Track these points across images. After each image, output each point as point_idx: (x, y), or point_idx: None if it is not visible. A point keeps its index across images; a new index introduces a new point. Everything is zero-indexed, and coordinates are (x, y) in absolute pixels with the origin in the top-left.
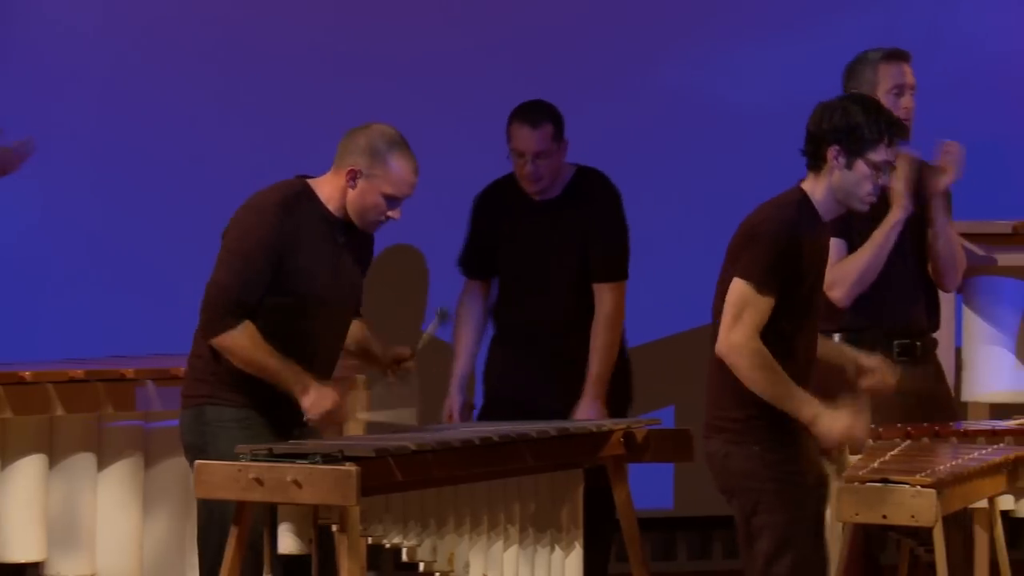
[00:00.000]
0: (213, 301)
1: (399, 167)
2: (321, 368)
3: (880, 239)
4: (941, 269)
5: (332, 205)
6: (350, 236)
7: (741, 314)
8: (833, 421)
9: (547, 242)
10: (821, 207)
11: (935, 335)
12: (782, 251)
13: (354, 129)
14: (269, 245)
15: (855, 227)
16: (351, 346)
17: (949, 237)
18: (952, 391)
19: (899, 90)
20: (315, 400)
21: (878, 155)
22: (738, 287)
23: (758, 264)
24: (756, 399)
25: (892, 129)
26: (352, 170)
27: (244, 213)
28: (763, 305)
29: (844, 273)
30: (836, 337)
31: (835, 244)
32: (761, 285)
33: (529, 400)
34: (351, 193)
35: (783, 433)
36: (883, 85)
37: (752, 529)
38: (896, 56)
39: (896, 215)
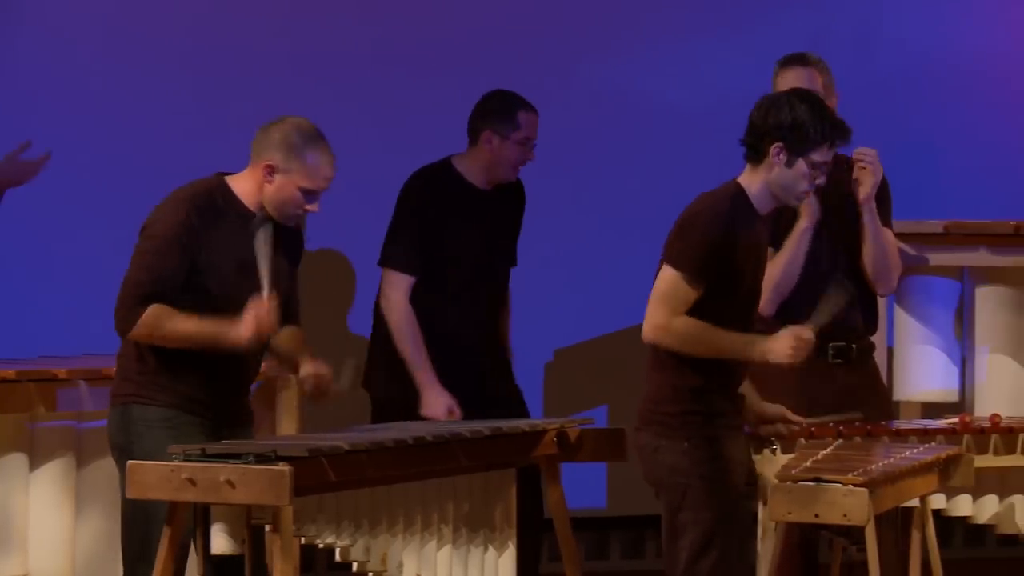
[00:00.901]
0: (125, 297)
1: (315, 160)
2: (241, 368)
3: (791, 247)
4: (872, 274)
5: (249, 201)
6: (278, 233)
7: (664, 300)
8: (779, 342)
9: (496, 230)
10: (756, 201)
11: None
12: (714, 243)
13: (268, 123)
14: (182, 241)
15: (781, 231)
16: (279, 348)
17: (880, 243)
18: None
19: None
20: (245, 324)
21: (819, 156)
22: (667, 274)
23: (688, 253)
24: (691, 395)
25: (836, 132)
26: (268, 165)
27: (159, 210)
28: (689, 294)
29: (764, 280)
30: None
31: None
32: (691, 276)
33: (490, 386)
34: (268, 188)
35: (714, 430)
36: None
37: (677, 524)
38: (793, 61)
39: (803, 223)
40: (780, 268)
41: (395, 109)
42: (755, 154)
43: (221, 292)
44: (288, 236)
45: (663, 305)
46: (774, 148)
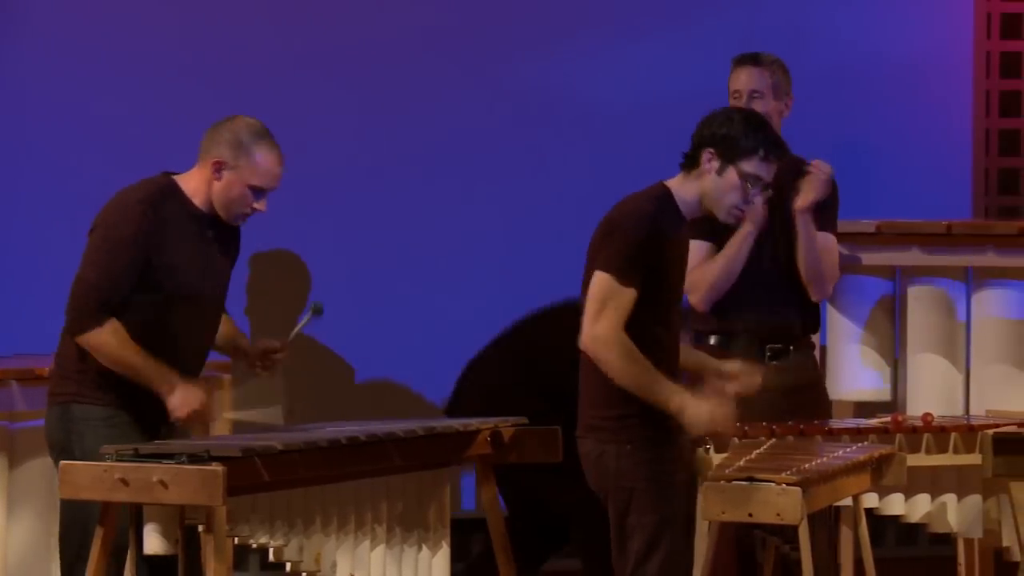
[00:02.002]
0: (78, 299)
1: (264, 158)
2: (189, 364)
3: (732, 250)
4: (805, 280)
5: (198, 200)
6: (217, 231)
7: (604, 307)
8: (700, 409)
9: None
10: (685, 207)
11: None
12: (642, 243)
13: (218, 122)
14: (134, 242)
15: (720, 228)
16: (220, 342)
17: (812, 251)
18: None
19: (737, 95)
20: (181, 399)
21: (750, 166)
22: (600, 279)
23: (618, 256)
24: (629, 397)
25: (769, 145)
26: (217, 162)
27: (108, 211)
28: (626, 297)
29: (700, 279)
30: (712, 339)
31: (700, 246)
32: (623, 276)
33: None
34: (216, 185)
35: (656, 431)
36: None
37: (625, 528)
38: (745, 60)
39: (747, 227)
40: (720, 267)
41: (339, 111)
42: (690, 161)
43: (177, 292)
44: (228, 235)
45: (603, 314)
46: (706, 155)
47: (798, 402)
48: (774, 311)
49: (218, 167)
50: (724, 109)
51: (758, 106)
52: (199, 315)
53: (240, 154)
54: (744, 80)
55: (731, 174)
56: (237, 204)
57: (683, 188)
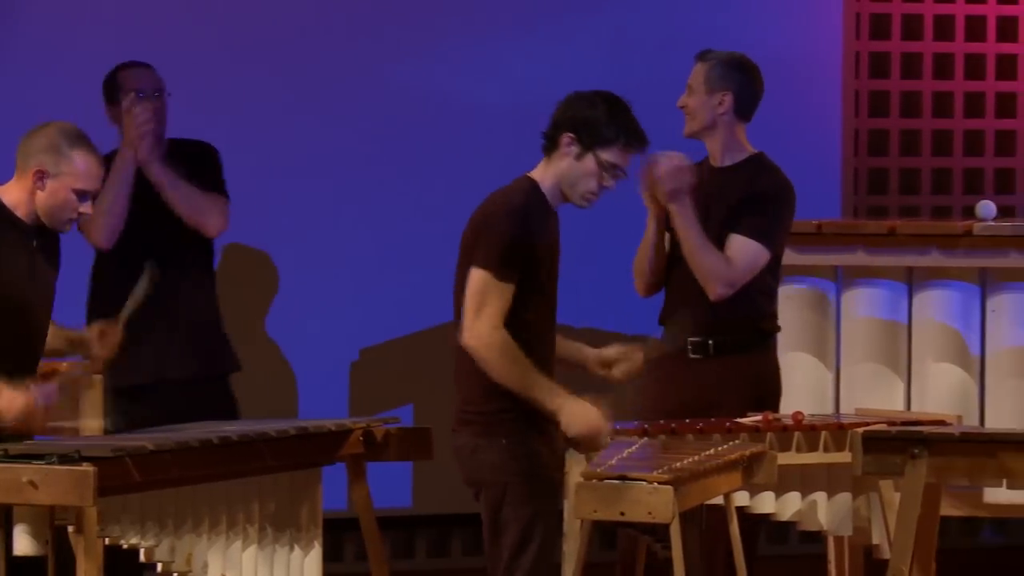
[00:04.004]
0: None
1: (85, 161)
2: (20, 372)
3: (642, 242)
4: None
5: (21, 211)
6: (42, 240)
7: (483, 304)
8: (577, 411)
9: None
10: (549, 195)
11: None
12: (515, 238)
13: (31, 131)
14: None
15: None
16: (55, 345)
17: (692, 255)
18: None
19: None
20: (5, 404)
21: (609, 155)
22: (477, 277)
23: (494, 252)
24: (505, 392)
25: (630, 135)
26: (38, 171)
27: None
28: (504, 293)
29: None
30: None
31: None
32: (500, 272)
33: None
34: (40, 195)
35: (531, 426)
36: None
37: (499, 523)
38: (697, 57)
39: (648, 223)
40: (636, 259)
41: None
42: (550, 144)
43: (6, 304)
44: (53, 245)
45: (482, 311)
46: (565, 138)
47: (722, 395)
48: (693, 306)
49: (40, 176)
50: (589, 93)
51: (690, 100)
52: (29, 324)
53: (60, 160)
54: (692, 75)
55: (589, 161)
56: (64, 210)
57: (546, 177)
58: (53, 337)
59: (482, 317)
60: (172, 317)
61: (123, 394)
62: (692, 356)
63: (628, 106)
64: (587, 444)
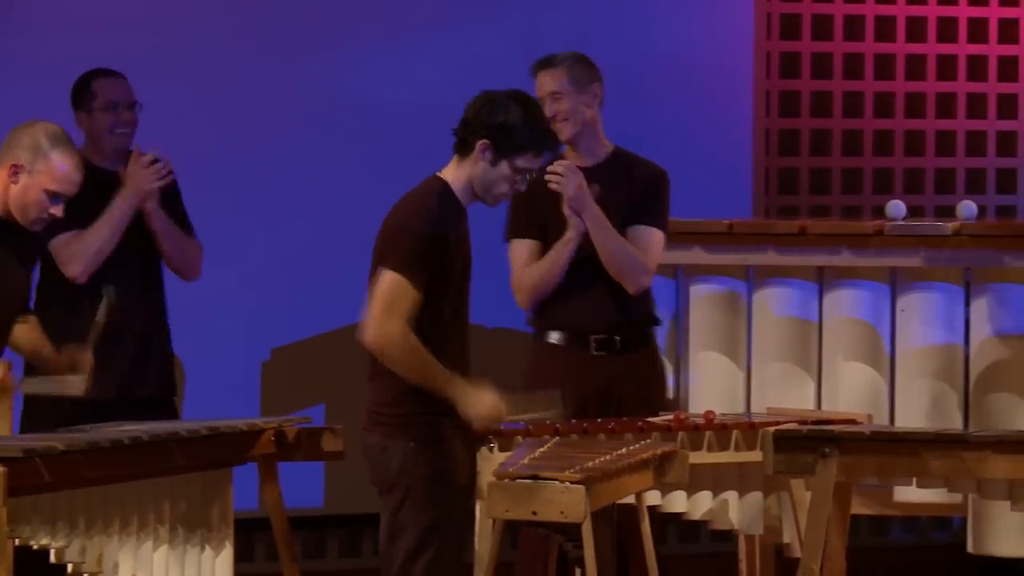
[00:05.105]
0: None
1: (62, 163)
2: None
3: (554, 254)
4: (613, 276)
5: None
6: (13, 236)
7: (391, 305)
8: (477, 398)
9: None
10: (461, 195)
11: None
12: (428, 241)
13: (18, 126)
14: None
15: (551, 229)
16: (24, 348)
17: (606, 248)
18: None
19: (543, 101)
20: None
21: (524, 161)
22: (388, 278)
23: (406, 255)
24: (417, 395)
25: (545, 141)
26: (14, 165)
27: None
28: (412, 296)
29: (523, 281)
30: (552, 336)
31: (525, 246)
32: (411, 276)
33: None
34: (13, 189)
35: (440, 429)
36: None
37: (397, 525)
38: (540, 66)
39: (569, 234)
40: (541, 272)
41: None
42: (463, 147)
43: None
44: (27, 239)
45: (389, 311)
46: (481, 145)
47: (626, 392)
48: (596, 303)
49: (15, 171)
50: (503, 95)
51: (563, 105)
52: None
53: (38, 159)
54: (543, 85)
55: (503, 167)
56: (33, 209)
57: (457, 177)
58: (30, 341)
59: (388, 317)
60: (130, 337)
61: (83, 411)
62: (596, 353)
63: (539, 106)
64: (488, 427)
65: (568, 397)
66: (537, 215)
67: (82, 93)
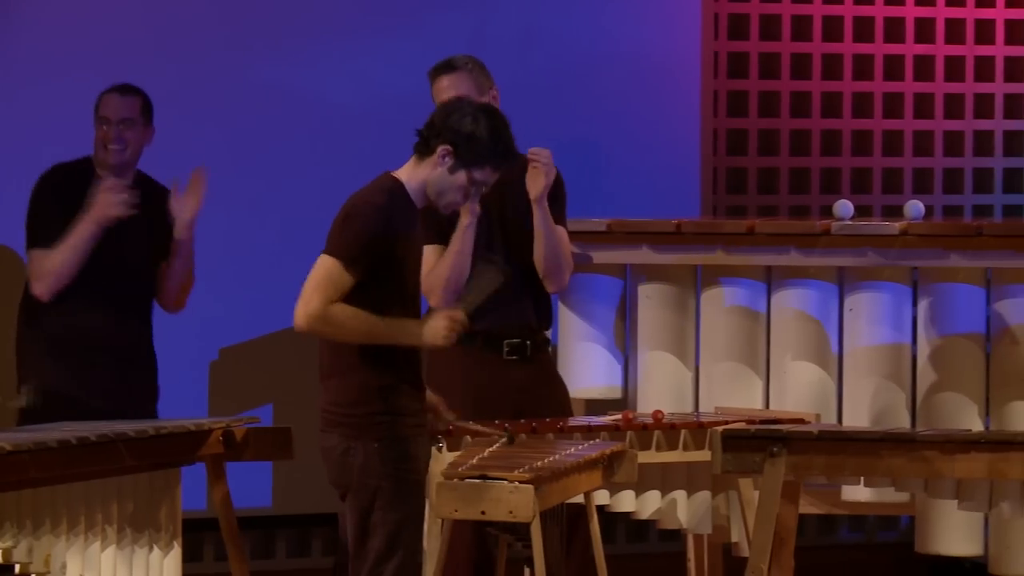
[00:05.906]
0: None
1: None
2: None
3: (457, 243)
4: (543, 272)
5: None
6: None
7: (320, 287)
8: (433, 326)
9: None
10: (414, 194)
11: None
12: (373, 235)
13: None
14: None
15: (447, 228)
16: None
17: (551, 242)
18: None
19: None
20: None
21: (481, 174)
22: (323, 262)
23: (347, 242)
24: (380, 395)
25: (506, 159)
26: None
27: None
28: (345, 282)
29: (435, 280)
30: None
31: (429, 250)
32: (347, 262)
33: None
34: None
35: (403, 429)
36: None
37: (367, 526)
38: (442, 69)
39: (465, 220)
40: (449, 264)
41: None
42: (424, 147)
43: None
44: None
45: (317, 292)
46: (442, 149)
47: (538, 397)
48: (507, 308)
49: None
50: (472, 106)
51: None
52: None
53: None
54: (446, 88)
55: (461, 176)
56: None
57: (413, 177)
58: None
59: (313, 299)
60: (118, 352)
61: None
62: (508, 358)
63: (507, 123)
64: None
65: (478, 401)
66: (437, 218)
67: (96, 104)
